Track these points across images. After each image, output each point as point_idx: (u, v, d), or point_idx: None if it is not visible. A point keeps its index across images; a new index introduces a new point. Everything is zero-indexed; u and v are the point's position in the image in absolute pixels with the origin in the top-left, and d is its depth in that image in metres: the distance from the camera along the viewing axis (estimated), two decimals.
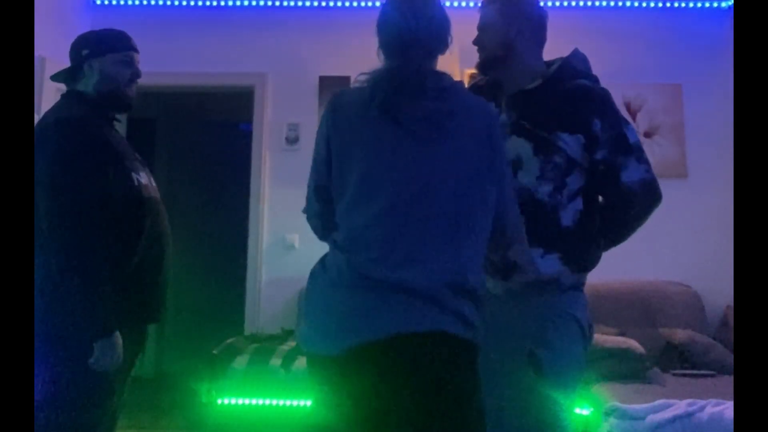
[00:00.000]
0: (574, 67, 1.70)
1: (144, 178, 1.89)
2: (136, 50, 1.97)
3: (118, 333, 1.70)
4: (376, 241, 1.34)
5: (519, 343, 1.56)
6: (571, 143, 1.59)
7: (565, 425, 1.57)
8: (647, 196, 1.61)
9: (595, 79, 1.71)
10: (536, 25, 1.73)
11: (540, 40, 1.75)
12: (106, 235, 1.72)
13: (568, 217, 1.60)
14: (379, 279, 1.31)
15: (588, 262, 1.64)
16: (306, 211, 1.55)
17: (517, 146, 1.62)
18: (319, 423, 1.44)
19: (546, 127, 1.60)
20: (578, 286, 1.65)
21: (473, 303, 1.35)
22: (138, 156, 1.97)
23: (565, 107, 1.61)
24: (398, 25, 1.43)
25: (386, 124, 1.38)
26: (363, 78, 1.45)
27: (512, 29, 1.68)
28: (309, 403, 2.88)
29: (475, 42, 1.75)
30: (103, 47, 1.91)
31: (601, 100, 1.63)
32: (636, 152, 1.61)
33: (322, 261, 1.45)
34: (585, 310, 1.64)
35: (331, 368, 1.35)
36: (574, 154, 1.59)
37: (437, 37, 1.45)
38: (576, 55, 1.74)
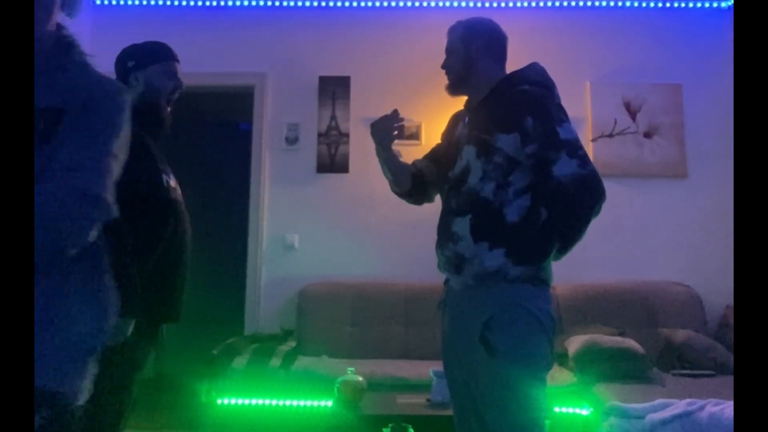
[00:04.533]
0: (522, 75, 1.80)
1: (172, 181, 1.95)
2: (177, 60, 2.01)
3: (131, 320, 1.66)
4: None
5: (475, 331, 1.67)
6: (508, 142, 1.69)
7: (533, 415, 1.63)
8: (582, 191, 1.64)
9: (544, 86, 1.77)
10: (495, 44, 1.87)
11: (500, 57, 1.88)
12: (132, 227, 1.72)
13: (513, 213, 1.69)
14: None
15: (533, 256, 1.69)
16: None
17: (468, 154, 1.77)
18: None
19: (488, 131, 1.74)
20: (530, 280, 1.69)
21: None
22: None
23: (503, 110, 1.73)
24: None
25: None
26: None
27: (472, 49, 1.83)
28: (309, 403, 2.89)
29: (443, 66, 1.90)
30: (148, 58, 1.96)
31: (535, 100, 1.72)
32: (567, 147, 1.66)
33: None
34: (542, 304, 1.70)
35: None
36: (513, 153, 1.69)
37: None
38: (531, 66, 1.84)
